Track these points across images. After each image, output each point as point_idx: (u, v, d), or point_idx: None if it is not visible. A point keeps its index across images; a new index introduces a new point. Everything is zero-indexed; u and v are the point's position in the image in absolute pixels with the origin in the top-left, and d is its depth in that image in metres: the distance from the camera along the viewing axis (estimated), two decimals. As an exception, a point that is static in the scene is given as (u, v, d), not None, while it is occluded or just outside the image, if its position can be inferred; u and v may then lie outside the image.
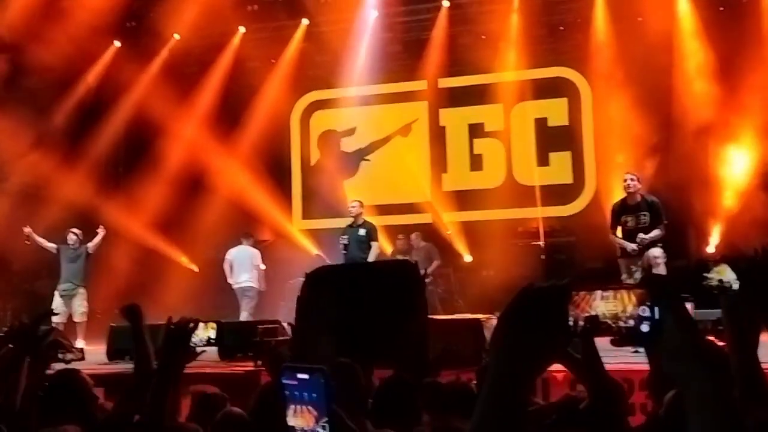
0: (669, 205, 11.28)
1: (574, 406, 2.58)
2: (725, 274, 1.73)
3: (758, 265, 1.61)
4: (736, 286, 1.66)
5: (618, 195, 12.30)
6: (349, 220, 10.83)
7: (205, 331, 2.84)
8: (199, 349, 2.71)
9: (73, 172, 12.85)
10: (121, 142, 14.32)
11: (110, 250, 13.97)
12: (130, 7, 13.04)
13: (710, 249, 11.84)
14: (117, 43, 13.87)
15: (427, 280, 11.44)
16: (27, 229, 10.88)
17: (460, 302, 12.35)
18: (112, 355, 8.41)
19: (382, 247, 11.29)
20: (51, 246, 11.03)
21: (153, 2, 13.07)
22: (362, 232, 10.13)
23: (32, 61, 11.64)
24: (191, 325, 2.45)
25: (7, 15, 11.37)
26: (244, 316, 11.28)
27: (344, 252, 10.27)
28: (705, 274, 1.87)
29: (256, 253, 12.07)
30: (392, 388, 3.24)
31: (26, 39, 11.40)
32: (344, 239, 10.36)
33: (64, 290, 10.73)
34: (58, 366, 3.66)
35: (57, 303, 10.39)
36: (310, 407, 1.58)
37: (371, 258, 10.03)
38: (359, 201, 10.84)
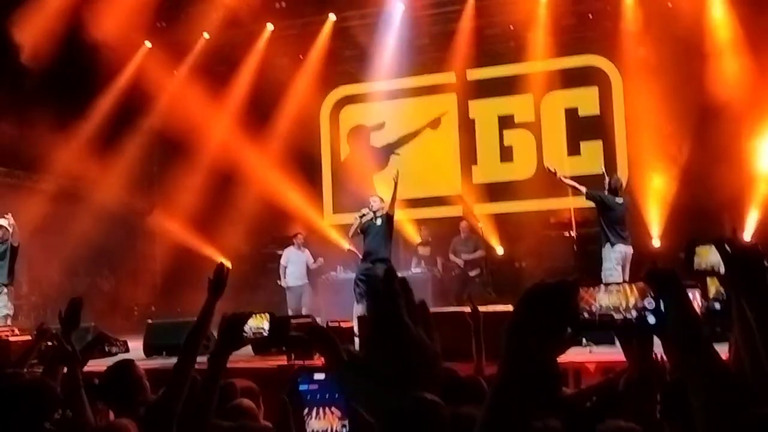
0: (702, 192, 11.23)
1: (612, 389, 2.60)
2: (708, 256, 1.72)
3: (743, 250, 1.61)
4: (722, 269, 1.66)
5: (651, 183, 12.28)
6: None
7: (258, 321, 2.90)
8: (249, 338, 2.84)
9: (107, 170, 13.07)
10: (154, 141, 14.54)
11: (145, 246, 14.25)
12: (159, 8, 13.20)
13: (747, 236, 11.67)
14: (148, 44, 14.06)
15: (473, 273, 11.45)
16: None
17: (492, 294, 12.35)
18: (149, 350, 8.56)
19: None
20: None
21: (182, 3, 13.23)
22: (379, 222, 9.86)
23: (67, 62, 11.85)
24: (245, 314, 2.64)
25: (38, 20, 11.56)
26: (305, 310, 11.18)
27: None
28: (692, 257, 1.84)
29: (307, 255, 12.10)
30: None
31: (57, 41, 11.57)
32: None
33: None
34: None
35: None
36: (333, 407, 1.55)
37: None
38: (378, 196, 10.52)
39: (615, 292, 1.29)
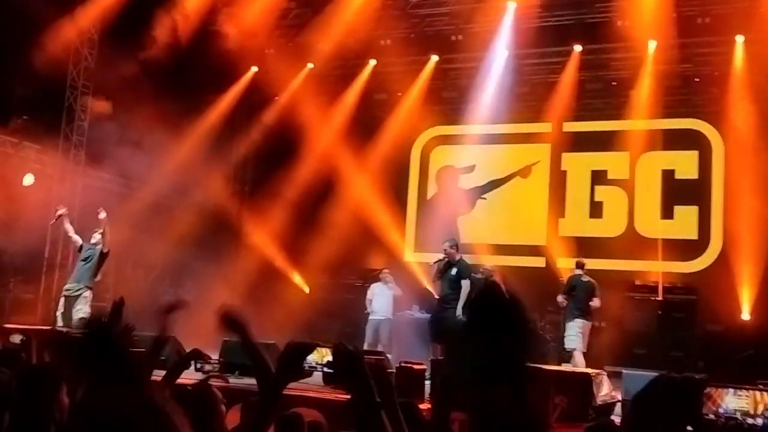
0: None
1: None
2: None
3: None
4: None
5: (746, 255, 11.82)
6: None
7: (318, 355, 2.90)
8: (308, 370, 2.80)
9: (204, 183, 13.46)
10: (249, 159, 14.98)
11: (229, 262, 14.57)
12: (269, 36, 13.65)
13: None
14: (254, 68, 14.52)
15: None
16: (62, 210, 10.10)
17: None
18: (223, 368, 8.68)
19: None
20: (76, 238, 10.08)
21: (292, 32, 13.63)
22: (453, 271, 9.81)
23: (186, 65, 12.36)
24: (309, 345, 2.55)
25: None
26: (379, 347, 11.11)
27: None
28: None
29: (394, 289, 12.01)
30: None
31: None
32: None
33: (67, 290, 9.75)
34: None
35: (60, 304, 9.73)
36: None
37: (463, 293, 9.53)
38: (451, 241, 10.30)
39: (744, 396, 1.24)
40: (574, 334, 9.90)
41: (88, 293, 9.55)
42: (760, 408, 1.22)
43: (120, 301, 3.50)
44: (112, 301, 3.60)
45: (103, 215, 9.74)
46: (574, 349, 9.85)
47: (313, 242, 14.04)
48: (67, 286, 9.81)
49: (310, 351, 2.52)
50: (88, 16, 12.11)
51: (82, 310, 9.36)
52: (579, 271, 10.46)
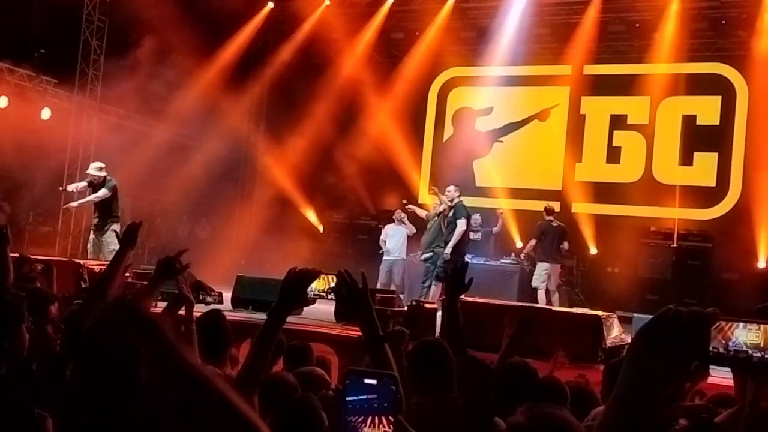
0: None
1: (707, 418, 2.43)
2: None
3: None
4: None
5: (765, 202, 11.70)
6: (470, 200, 10.98)
7: (323, 283, 2.85)
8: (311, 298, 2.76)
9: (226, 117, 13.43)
10: (266, 97, 14.94)
11: (244, 199, 14.62)
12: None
13: None
14: (270, 4, 14.32)
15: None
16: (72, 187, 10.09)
17: (580, 296, 12.10)
18: (237, 303, 8.79)
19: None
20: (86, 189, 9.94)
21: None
22: (450, 214, 10.10)
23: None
24: (312, 273, 2.48)
25: None
26: (393, 286, 11.24)
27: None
28: None
29: (408, 228, 12.02)
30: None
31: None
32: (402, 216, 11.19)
33: (95, 224, 9.74)
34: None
35: (90, 236, 9.83)
36: (379, 417, 1.36)
37: (454, 235, 9.92)
38: (455, 186, 10.51)
39: (754, 330, 1.22)
40: (540, 274, 10.75)
41: (116, 225, 9.50)
42: None
43: (138, 224, 3.51)
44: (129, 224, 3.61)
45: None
46: (538, 288, 10.68)
47: (328, 181, 14.05)
48: (94, 220, 9.83)
49: (313, 278, 2.49)
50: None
51: (113, 242, 9.21)
52: (549, 217, 11.11)
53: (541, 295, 10.63)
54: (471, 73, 14.67)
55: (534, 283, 10.81)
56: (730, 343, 1.21)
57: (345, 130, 13.91)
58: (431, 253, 10.23)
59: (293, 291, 2.44)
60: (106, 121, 12.61)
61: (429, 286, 10.08)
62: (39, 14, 11.15)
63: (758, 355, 1.21)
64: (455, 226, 9.93)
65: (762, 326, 1.22)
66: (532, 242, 11.09)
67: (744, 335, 1.21)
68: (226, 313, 4.10)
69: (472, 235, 11.58)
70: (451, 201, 10.17)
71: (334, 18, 13.99)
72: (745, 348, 1.22)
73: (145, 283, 3.58)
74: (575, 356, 5.59)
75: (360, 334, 2.38)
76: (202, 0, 12.12)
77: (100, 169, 9.74)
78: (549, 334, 5.48)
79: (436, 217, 10.47)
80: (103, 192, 9.61)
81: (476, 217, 11.84)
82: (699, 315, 1.14)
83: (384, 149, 13.88)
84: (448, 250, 9.83)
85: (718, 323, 1.22)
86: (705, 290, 11.50)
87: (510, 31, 13.37)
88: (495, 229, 12.26)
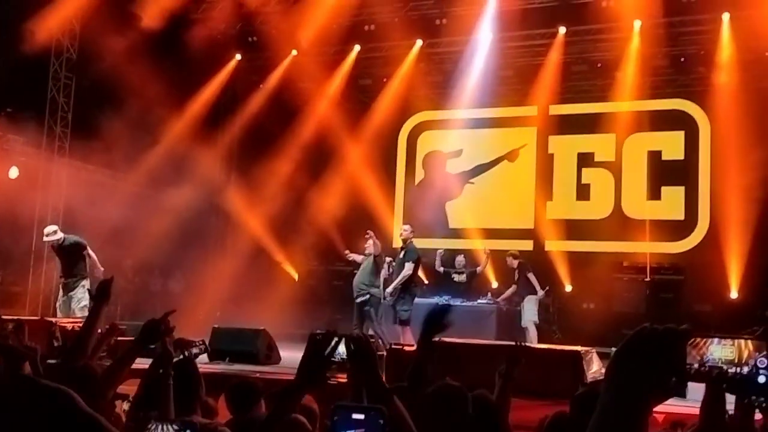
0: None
1: None
2: None
3: None
4: None
5: (733, 234, 11.88)
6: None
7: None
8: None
9: (193, 169, 13.40)
10: (236, 148, 14.94)
11: (217, 251, 14.52)
12: (252, 23, 13.60)
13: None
14: (238, 56, 14.44)
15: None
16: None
17: (557, 333, 12.12)
18: (213, 355, 8.67)
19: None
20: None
21: (274, 19, 13.55)
22: (401, 254, 10.20)
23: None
24: (336, 339, 2.17)
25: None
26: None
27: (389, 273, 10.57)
28: None
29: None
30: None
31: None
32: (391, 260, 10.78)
33: (65, 281, 9.63)
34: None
35: (60, 294, 9.69)
36: None
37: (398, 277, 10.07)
38: (408, 225, 10.79)
39: (729, 345, 1.24)
40: (531, 308, 11.08)
41: (84, 282, 9.48)
42: (745, 355, 1.24)
43: (110, 279, 3.45)
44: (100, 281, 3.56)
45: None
46: (531, 324, 10.97)
47: (302, 228, 14.02)
48: (62, 280, 9.71)
49: (336, 345, 2.14)
50: (69, 8, 11.98)
51: (84, 298, 9.24)
52: (516, 261, 11.48)
53: (533, 330, 10.93)
54: (439, 116, 14.85)
55: (532, 319, 11.02)
56: (706, 359, 1.23)
57: (317, 177, 13.94)
58: (367, 296, 10.14)
59: (315, 364, 2.09)
60: (75, 177, 12.51)
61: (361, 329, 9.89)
62: (4, 73, 11.12)
63: (733, 370, 1.22)
64: (404, 267, 9.96)
65: (737, 341, 1.24)
66: (512, 289, 11.43)
67: (719, 351, 1.23)
68: (203, 366, 4.04)
69: (456, 278, 11.70)
70: (405, 241, 10.22)
71: (302, 66, 14.12)
72: (719, 363, 1.23)
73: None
74: (556, 392, 5.59)
75: (339, 382, 2.26)
76: (170, 53, 12.23)
77: (56, 231, 9.63)
78: (530, 371, 5.48)
79: (369, 258, 10.39)
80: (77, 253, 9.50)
81: (460, 259, 11.90)
82: (674, 332, 1.16)
83: (357, 195, 13.93)
84: (390, 290, 9.82)
85: (693, 339, 1.24)
86: (679, 322, 11.47)
87: (476, 74, 13.58)
88: (479, 269, 12.29)
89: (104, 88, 11.88)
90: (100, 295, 3.39)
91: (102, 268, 9.51)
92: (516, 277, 11.39)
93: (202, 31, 12.89)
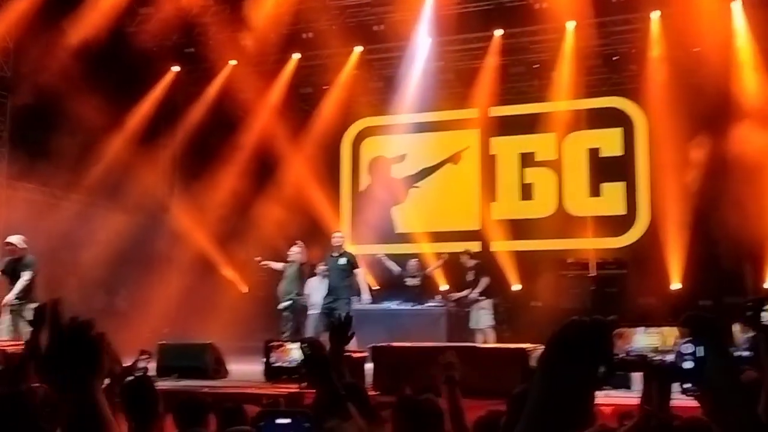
0: (726, 242, 11.19)
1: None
2: None
3: None
4: None
5: (673, 227, 12.20)
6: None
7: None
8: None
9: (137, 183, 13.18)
10: (177, 159, 14.73)
11: (162, 268, 14.29)
12: (188, 34, 13.44)
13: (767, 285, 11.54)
14: (175, 68, 14.25)
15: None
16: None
17: (506, 332, 12.23)
18: (162, 372, 8.53)
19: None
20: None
21: (211, 30, 13.43)
22: (342, 261, 10.30)
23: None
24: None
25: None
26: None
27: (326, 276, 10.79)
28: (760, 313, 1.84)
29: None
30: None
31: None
32: (324, 269, 10.93)
33: (12, 304, 9.20)
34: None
35: (5, 318, 9.22)
36: None
37: (361, 282, 10.39)
38: (341, 232, 11.17)
39: (654, 334, 1.27)
40: (489, 310, 11.25)
41: (33, 305, 9.05)
42: (670, 341, 1.27)
43: (56, 300, 3.37)
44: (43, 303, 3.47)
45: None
46: (490, 326, 11.21)
47: (248, 239, 13.88)
48: (10, 300, 9.23)
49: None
50: (2, 25, 11.67)
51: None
52: (472, 261, 11.61)
53: (491, 334, 11.10)
54: (382, 122, 14.90)
55: (487, 323, 11.18)
56: (629, 348, 1.26)
57: (261, 187, 13.83)
58: (290, 302, 10.40)
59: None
60: (13, 197, 12.18)
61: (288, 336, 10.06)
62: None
63: (657, 358, 1.25)
64: (349, 273, 10.15)
65: (662, 329, 1.27)
66: (467, 292, 11.43)
67: (643, 339, 1.26)
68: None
69: (410, 281, 11.75)
70: (339, 248, 10.38)
71: (241, 76, 14.00)
72: (644, 352, 1.26)
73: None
74: (506, 391, 5.64)
75: (289, 392, 2.32)
76: (107, 69, 12.01)
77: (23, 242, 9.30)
78: (479, 371, 5.53)
79: (294, 266, 10.67)
80: (29, 274, 9.18)
81: (412, 264, 11.94)
82: (600, 322, 1.18)
83: (302, 203, 13.86)
84: (366, 296, 10.13)
85: (619, 329, 1.27)
86: (624, 316, 11.80)
87: (416, 79, 13.68)
88: (429, 270, 12.35)
89: (41, 105, 11.62)
90: (37, 321, 3.30)
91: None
92: (471, 278, 11.42)
93: (137, 44, 12.69)
